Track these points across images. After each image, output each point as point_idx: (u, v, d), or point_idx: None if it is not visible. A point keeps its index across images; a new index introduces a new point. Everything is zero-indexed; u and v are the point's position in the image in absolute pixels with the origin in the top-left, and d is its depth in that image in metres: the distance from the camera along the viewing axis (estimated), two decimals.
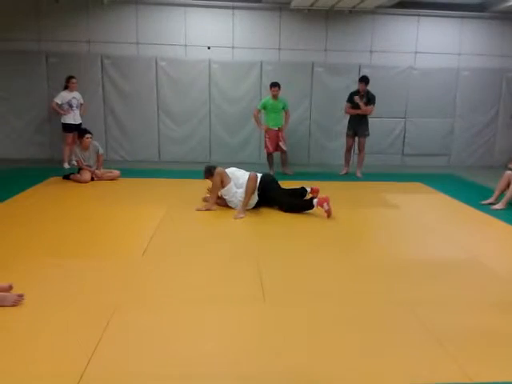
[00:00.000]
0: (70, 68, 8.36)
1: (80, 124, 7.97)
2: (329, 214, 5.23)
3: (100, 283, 3.36)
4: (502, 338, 2.78)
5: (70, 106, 7.94)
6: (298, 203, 5.59)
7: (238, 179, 5.55)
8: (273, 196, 5.55)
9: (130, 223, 4.96)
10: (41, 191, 6.27)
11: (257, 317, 2.97)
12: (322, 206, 5.24)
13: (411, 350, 2.62)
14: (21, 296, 2.96)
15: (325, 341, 2.69)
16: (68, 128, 7.98)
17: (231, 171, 5.66)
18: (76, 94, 8.02)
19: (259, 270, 3.67)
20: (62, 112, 7.94)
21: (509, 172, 6.16)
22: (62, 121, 7.99)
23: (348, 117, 8.08)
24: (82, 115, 8.11)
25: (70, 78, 7.96)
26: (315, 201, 5.33)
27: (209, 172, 5.69)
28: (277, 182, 5.74)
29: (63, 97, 7.92)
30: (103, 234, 4.58)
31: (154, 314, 2.94)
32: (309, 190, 5.91)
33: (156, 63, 8.75)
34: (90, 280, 3.41)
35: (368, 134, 8.04)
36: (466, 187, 7.48)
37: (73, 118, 7.98)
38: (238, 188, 5.49)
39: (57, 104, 7.90)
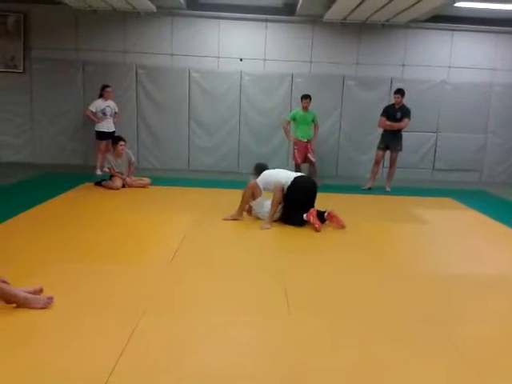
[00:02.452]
0: (105, 77, 8.60)
1: (113, 132, 8.15)
2: (315, 229, 5.13)
3: (128, 288, 3.42)
4: None
5: (104, 114, 8.12)
6: (293, 218, 5.41)
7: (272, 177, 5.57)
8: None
9: (158, 230, 5.05)
10: (73, 197, 6.44)
11: (281, 329, 2.96)
12: (309, 219, 5.21)
13: (437, 368, 2.58)
14: (50, 299, 3.04)
15: (350, 356, 2.67)
16: (101, 135, 8.18)
17: (276, 172, 5.65)
18: (110, 103, 8.22)
19: (284, 282, 3.67)
20: (95, 120, 8.13)
21: None
22: (96, 128, 8.18)
23: (381, 130, 8.02)
24: (115, 123, 8.29)
25: (105, 86, 8.17)
26: (305, 216, 5.27)
27: (257, 170, 5.76)
28: (305, 190, 5.51)
29: (97, 105, 8.12)
30: (132, 239, 4.67)
31: (181, 320, 2.98)
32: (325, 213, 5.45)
33: (189, 74, 8.90)
34: (118, 285, 3.48)
35: (401, 149, 7.95)
36: (497, 204, 7.33)
37: (106, 126, 8.15)
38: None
39: (91, 112, 8.10)
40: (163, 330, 2.84)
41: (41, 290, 3.15)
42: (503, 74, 9.22)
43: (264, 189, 5.53)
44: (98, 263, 3.92)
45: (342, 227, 5.25)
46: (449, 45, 9.10)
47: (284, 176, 5.56)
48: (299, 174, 5.67)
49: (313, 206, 5.43)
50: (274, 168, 5.88)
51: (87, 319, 2.92)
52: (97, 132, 8.20)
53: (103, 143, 8.18)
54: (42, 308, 2.97)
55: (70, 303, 3.12)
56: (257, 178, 5.64)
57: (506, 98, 9.17)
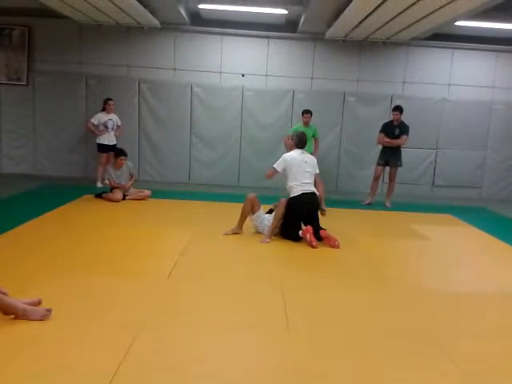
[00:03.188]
0: (108, 90, 8.69)
1: (115, 145, 8.20)
2: (311, 245, 5.10)
3: (126, 302, 3.41)
4: None
5: (106, 127, 8.17)
6: (290, 233, 5.41)
7: (292, 171, 5.47)
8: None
9: (158, 243, 5.05)
10: (73, 209, 6.45)
11: (280, 345, 2.95)
12: (305, 236, 5.19)
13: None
14: (49, 311, 3.03)
15: (349, 372, 2.66)
16: (102, 148, 8.22)
17: (296, 170, 5.46)
18: (113, 116, 8.27)
19: (283, 297, 3.67)
20: (96, 132, 8.19)
21: None
22: (97, 141, 8.24)
23: (381, 146, 8.06)
24: (117, 137, 8.34)
25: (107, 100, 8.24)
26: (301, 232, 5.27)
27: (300, 143, 5.67)
28: (304, 208, 5.45)
29: (99, 118, 8.18)
30: (132, 253, 4.67)
31: (178, 336, 2.96)
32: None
33: (191, 89, 8.99)
34: (117, 298, 3.48)
35: (400, 165, 7.99)
36: (496, 221, 7.34)
37: (107, 139, 8.20)
38: (290, 180, 5.49)
39: (93, 124, 8.16)
40: (162, 343, 2.83)
41: (39, 302, 3.15)
42: (503, 92, 9.30)
43: (282, 170, 5.51)
44: (97, 276, 3.92)
45: (337, 247, 5.15)
46: (449, 63, 9.19)
47: (299, 179, 5.44)
48: (306, 190, 5.42)
49: (315, 221, 5.43)
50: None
51: (85, 332, 2.91)
52: (98, 144, 8.26)
53: (104, 156, 8.23)
54: (41, 320, 2.97)
55: (68, 316, 3.11)
56: (301, 149, 5.58)
57: (506, 115, 9.25)
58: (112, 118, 8.25)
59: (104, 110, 8.25)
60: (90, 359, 2.60)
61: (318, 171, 5.67)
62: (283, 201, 5.42)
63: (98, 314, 3.17)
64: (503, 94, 9.29)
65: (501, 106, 9.25)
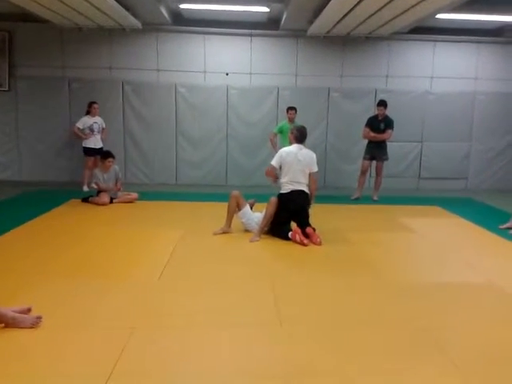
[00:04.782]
0: (91, 93, 8.62)
1: (101, 148, 8.14)
2: (302, 244, 5.10)
3: (117, 306, 3.40)
4: None
5: (92, 130, 8.12)
6: (279, 231, 5.43)
7: (285, 167, 5.42)
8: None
9: (146, 246, 5.04)
10: (60, 213, 6.41)
11: (273, 342, 2.97)
12: (295, 238, 5.18)
13: (428, 375, 2.60)
14: (39, 318, 3.01)
15: (343, 366, 2.68)
16: (89, 152, 8.17)
17: (290, 164, 5.38)
18: (98, 119, 8.22)
19: (275, 294, 3.68)
20: (83, 136, 8.12)
21: None
22: (83, 145, 8.17)
23: (366, 140, 8.11)
24: (103, 139, 8.29)
25: (91, 103, 8.18)
26: (290, 234, 5.26)
27: (302, 137, 5.59)
28: (293, 206, 5.44)
29: (84, 121, 8.12)
30: (121, 255, 4.65)
31: (170, 337, 2.97)
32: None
33: (175, 89, 8.96)
34: (107, 302, 3.47)
35: (387, 159, 8.05)
36: (483, 211, 7.43)
37: (93, 142, 8.15)
38: (282, 175, 5.46)
39: (78, 128, 8.10)
40: (154, 345, 2.83)
41: (29, 310, 3.12)
42: (485, 83, 9.39)
43: (279, 165, 5.47)
44: (87, 280, 3.90)
45: (318, 244, 5.16)
46: (431, 55, 9.26)
47: (290, 177, 5.41)
48: (295, 188, 5.41)
49: (305, 219, 5.43)
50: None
51: (76, 337, 2.90)
52: (84, 148, 8.19)
53: (91, 159, 8.18)
54: (31, 327, 2.95)
55: (58, 321, 3.10)
56: (301, 143, 5.53)
57: (489, 106, 9.34)
58: (97, 121, 8.20)
59: (88, 113, 8.18)
60: (83, 365, 2.59)
61: (315, 169, 5.51)
62: (273, 200, 5.42)
63: (90, 319, 3.16)
64: (485, 84, 9.38)
65: (483, 96, 9.34)
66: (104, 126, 8.33)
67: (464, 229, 6.22)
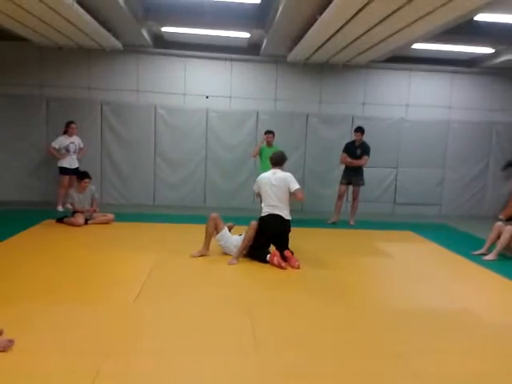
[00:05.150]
0: (69, 113, 8.56)
1: (76, 168, 8.05)
2: (280, 267, 5.11)
3: (91, 329, 3.33)
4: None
5: (67, 150, 8.03)
6: (257, 254, 5.42)
7: (262, 192, 5.57)
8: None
9: (122, 268, 4.96)
10: (34, 234, 6.28)
11: (248, 368, 2.94)
12: (273, 261, 5.19)
13: None
14: (11, 341, 2.94)
15: None
16: (63, 171, 8.07)
17: (266, 190, 5.51)
18: (75, 139, 8.14)
19: (251, 319, 3.66)
20: (58, 156, 8.03)
21: (499, 223, 6.26)
22: (59, 164, 8.08)
23: (343, 166, 8.22)
24: (78, 159, 8.19)
25: (69, 123, 8.11)
26: (268, 256, 5.26)
27: (282, 161, 5.74)
28: (272, 230, 5.47)
29: (61, 141, 8.03)
30: (95, 279, 4.57)
31: (145, 362, 2.91)
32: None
33: (155, 110, 8.96)
34: (80, 326, 3.39)
35: (363, 184, 8.17)
36: (457, 237, 7.55)
37: (69, 162, 8.05)
38: (262, 199, 5.55)
39: (54, 148, 8.01)
40: (127, 372, 2.77)
41: (0, 333, 3.03)
42: (459, 111, 9.67)
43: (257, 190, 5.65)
44: (60, 303, 3.82)
45: (296, 268, 5.16)
46: (407, 84, 9.51)
47: (266, 201, 5.50)
48: (272, 211, 5.44)
49: (284, 244, 5.44)
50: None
51: (49, 362, 2.82)
52: (60, 168, 8.10)
53: (66, 179, 8.06)
54: (2, 351, 2.87)
55: (31, 345, 3.01)
56: (279, 168, 5.65)
57: (462, 134, 9.60)
58: (74, 141, 8.12)
59: (66, 132, 8.10)
60: None
61: (294, 187, 5.47)
62: (254, 223, 5.43)
63: (62, 344, 3.08)
64: (459, 113, 9.66)
65: (457, 125, 9.60)
66: (82, 145, 8.25)
67: (438, 254, 6.31)
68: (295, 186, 5.53)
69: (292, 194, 5.50)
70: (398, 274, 5.33)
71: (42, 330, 3.26)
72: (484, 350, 3.35)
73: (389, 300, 4.42)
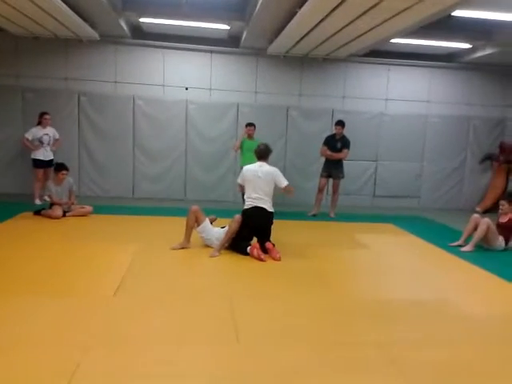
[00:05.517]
0: (46, 104, 8.39)
1: (51, 160, 7.89)
2: (260, 259, 5.11)
3: (70, 323, 3.28)
4: (474, 374, 2.83)
5: (41, 142, 7.84)
6: (238, 246, 5.42)
7: (246, 184, 5.54)
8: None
9: (101, 261, 4.89)
10: (10, 227, 6.16)
11: (230, 358, 2.93)
12: (253, 254, 5.19)
13: None
14: None
15: (299, 383, 2.69)
16: (38, 164, 7.88)
17: (253, 182, 5.50)
18: (49, 130, 7.95)
19: (232, 310, 3.66)
20: (32, 147, 7.84)
21: (476, 215, 6.37)
22: (32, 156, 7.88)
23: (324, 158, 8.25)
24: (53, 150, 8.01)
25: (42, 113, 7.92)
26: (249, 248, 5.27)
27: (266, 154, 5.72)
28: (254, 223, 5.48)
29: (34, 133, 7.83)
30: (74, 271, 4.50)
31: (126, 355, 2.88)
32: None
33: (133, 102, 8.85)
34: (60, 320, 3.33)
35: (343, 177, 8.22)
36: (435, 229, 7.67)
37: (43, 154, 7.87)
38: (250, 190, 5.51)
39: (27, 139, 7.80)
40: (107, 365, 2.74)
41: None
42: (437, 106, 9.80)
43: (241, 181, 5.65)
44: (38, 296, 3.75)
45: (277, 260, 5.18)
46: (385, 78, 9.58)
47: (250, 193, 5.50)
48: (256, 204, 5.45)
49: (266, 236, 5.46)
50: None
51: (28, 356, 2.77)
52: (33, 160, 7.89)
53: (40, 171, 7.89)
54: None
55: (8, 341, 2.96)
56: (265, 161, 5.66)
57: (441, 128, 9.73)
58: (48, 133, 7.93)
59: (39, 124, 7.91)
60: None
61: (283, 184, 5.55)
62: (238, 217, 5.42)
63: (40, 338, 3.02)
64: (437, 107, 9.79)
65: (435, 119, 9.72)
66: (57, 136, 8.07)
67: (416, 246, 6.39)
68: (284, 181, 5.60)
69: (282, 190, 5.60)
70: (376, 266, 5.39)
71: (20, 325, 3.20)
72: (461, 340, 3.40)
73: (367, 291, 4.46)
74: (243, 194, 5.75)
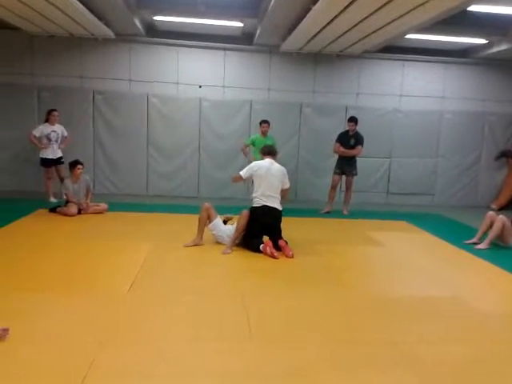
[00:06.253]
0: (61, 102, 8.48)
1: (60, 158, 7.88)
2: (273, 256, 5.10)
3: (85, 319, 3.33)
4: (489, 372, 2.82)
5: (49, 139, 7.75)
6: (250, 244, 5.43)
7: (257, 181, 5.50)
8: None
9: (116, 258, 4.95)
10: (27, 224, 6.25)
11: (243, 355, 2.95)
12: (265, 251, 5.18)
13: None
14: (6, 330, 2.93)
15: (314, 380, 2.69)
16: (46, 162, 7.83)
17: (263, 179, 5.44)
18: (57, 128, 7.87)
19: (246, 307, 3.68)
20: (38, 145, 7.76)
21: (491, 212, 6.30)
22: (40, 155, 7.82)
23: (337, 155, 8.23)
24: (61, 148, 7.93)
25: (51, 110, 7.83)
26: (261, 246, 5.26)
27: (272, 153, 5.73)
28: (265, 220, 5.47)
29: (41, 130, 7.73)
30: (89, 269, 4.56)
31: (140, 351, 2.91)
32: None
33: (148, 100, 8.91)
34: (75, 316, 3.38)
35: (356, 174, 8.18)
36: (449, 226, 7.61)
37: (51, 152, 7.79)
38: (255, 189, 5.51)
39: (34, 136, 7.71)
40: (122, 360, 2.78)
41: None
42: (452, 101, 9.69)
43: (247, 178, 5.60)
44: (54, 293, 3.81)
45: (290, 257, 5.17)
46: (400, 74, 9.51)
47: (262, 191, 5.45)
48: (267, 202, 5.42)
49: (277, 234, 5.46)
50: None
51: (44, 351, 2.82)
52: (41, 159, 7.83)
53: (49, 170, 7.87)
54: None
55: (26, 334, 3.01)
56: (274, 159, 5.65)
57: (455, 124, 9.62)
58: (56, 130, 7.84)
59: (47, 121, 7.82)
60: (50, 380, 2.52)
61: (287, 186, 5.59)
62: (245, 212, 5.43)
63: (57, 333, 3.08)
64: (452, 103, 9.68)
65: (450, 115, 9.62)
66: (66, 134, 8.00)
67: (431, 243, 6.35)
68: (288, 184, 5.64)
69: (283, 191, 5.59)
70: (390, 263, 5.37)
71: (37, 320, 3.26)
72: (476, 338, 3.38)
73: (381, 288, 4.46)
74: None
